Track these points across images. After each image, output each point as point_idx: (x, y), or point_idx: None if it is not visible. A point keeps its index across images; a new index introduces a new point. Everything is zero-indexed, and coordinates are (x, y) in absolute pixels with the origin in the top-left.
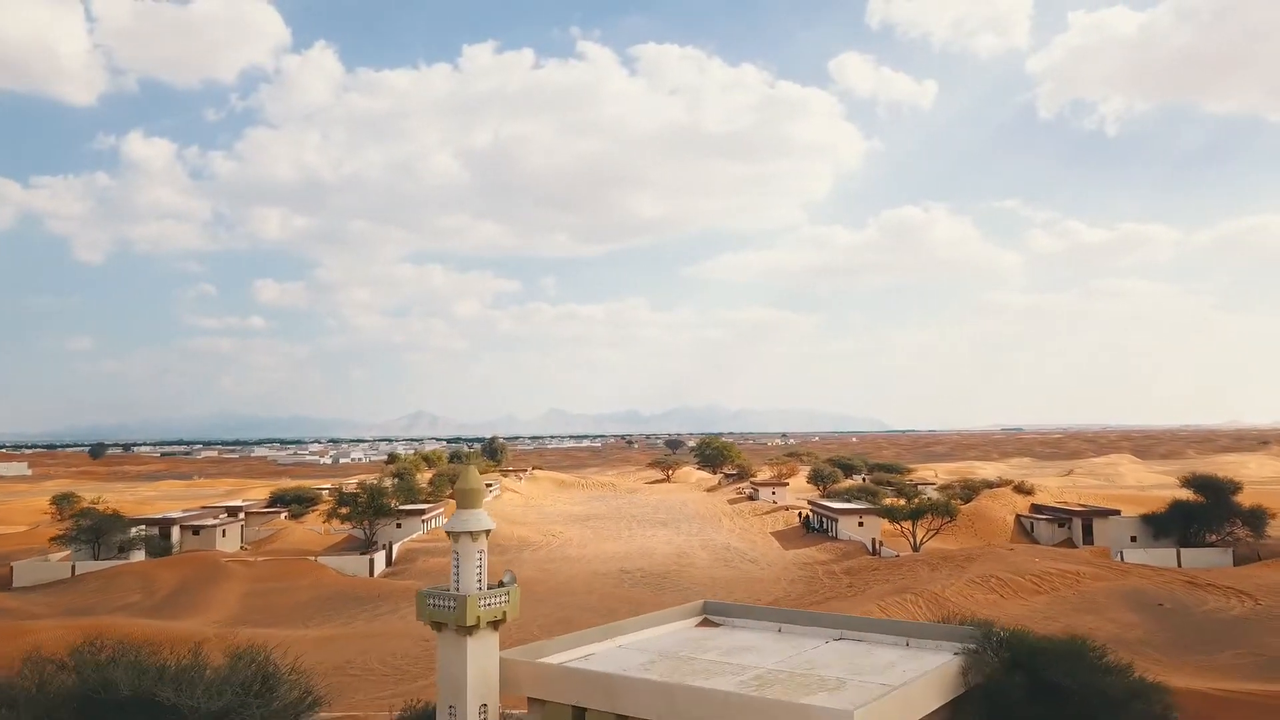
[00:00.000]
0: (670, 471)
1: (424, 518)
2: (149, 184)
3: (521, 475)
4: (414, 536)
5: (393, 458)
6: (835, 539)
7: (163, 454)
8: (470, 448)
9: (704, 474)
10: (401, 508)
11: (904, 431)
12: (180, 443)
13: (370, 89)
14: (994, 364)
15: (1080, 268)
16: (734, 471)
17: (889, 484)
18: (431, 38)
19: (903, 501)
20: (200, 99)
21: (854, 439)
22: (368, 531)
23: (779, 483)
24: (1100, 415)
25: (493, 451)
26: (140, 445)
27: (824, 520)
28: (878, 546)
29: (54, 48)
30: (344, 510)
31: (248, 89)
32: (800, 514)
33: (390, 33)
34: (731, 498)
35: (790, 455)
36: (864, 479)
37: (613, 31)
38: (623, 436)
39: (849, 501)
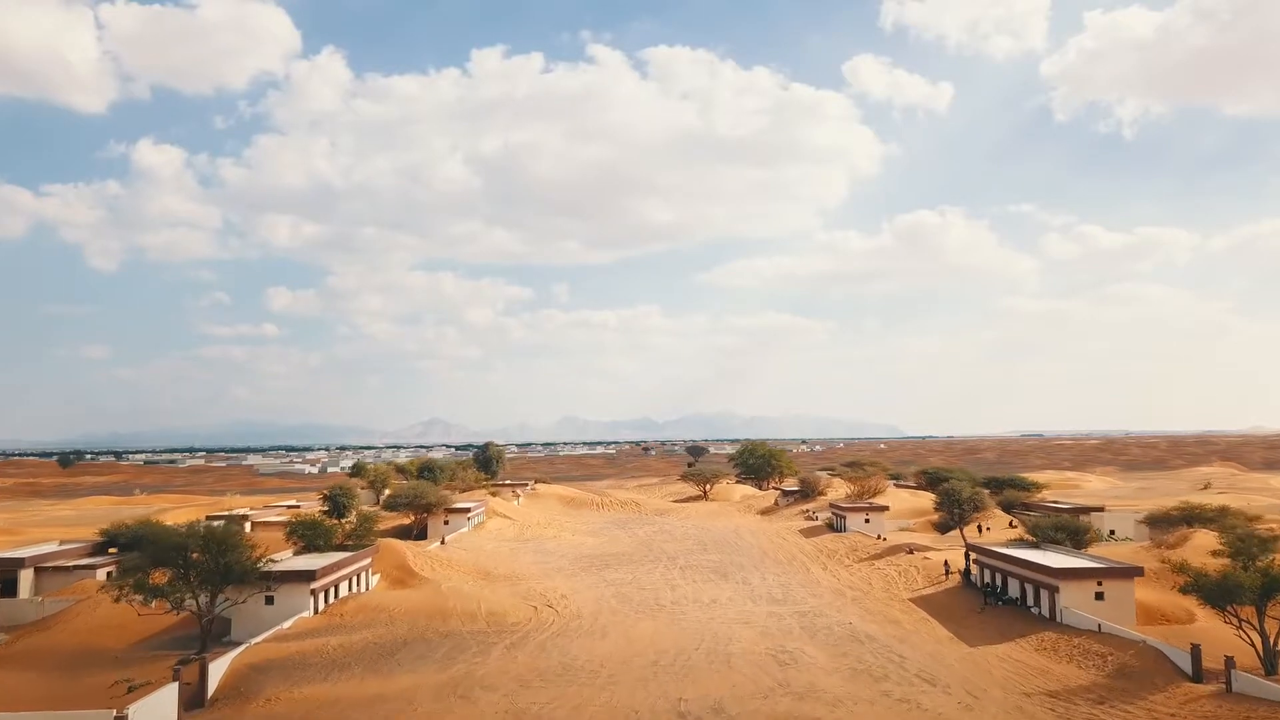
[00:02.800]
0: (708, 486)
1: (314, 584)
2: (159, 192)
3: (520, 491)
4: (289, 625)
5: (358, 469)
6: (1057, 623)
7: (146, 462)
8: (462, 456)
9: (748, 489)
10: (279, 568)
11: (924, 437)
12: (188, 450)
13: (379, 95)
14: (1009, 370)
15: (1096, 273)
16: (794, 488)
17: (1026, 507)
18: (440, 42)
19: (1235, 565)
20: (210, 106)
21: (881, 444)
22: (203, 614)
23: (872, 506)
24: (1119, 421)
25: (487, 461)
26: (137, 453)
27: (1011, 582)
28: (1228, 667)
29: (64, 55)
30: (161, 578)
31: (257, 96)
32: (966, 568)
33: (399, 38)
34: (803, 526)
35: (851, 465)
36: (1003, 504)
37: (623, 35)
38: (638, 443)
39: (1038, 547)
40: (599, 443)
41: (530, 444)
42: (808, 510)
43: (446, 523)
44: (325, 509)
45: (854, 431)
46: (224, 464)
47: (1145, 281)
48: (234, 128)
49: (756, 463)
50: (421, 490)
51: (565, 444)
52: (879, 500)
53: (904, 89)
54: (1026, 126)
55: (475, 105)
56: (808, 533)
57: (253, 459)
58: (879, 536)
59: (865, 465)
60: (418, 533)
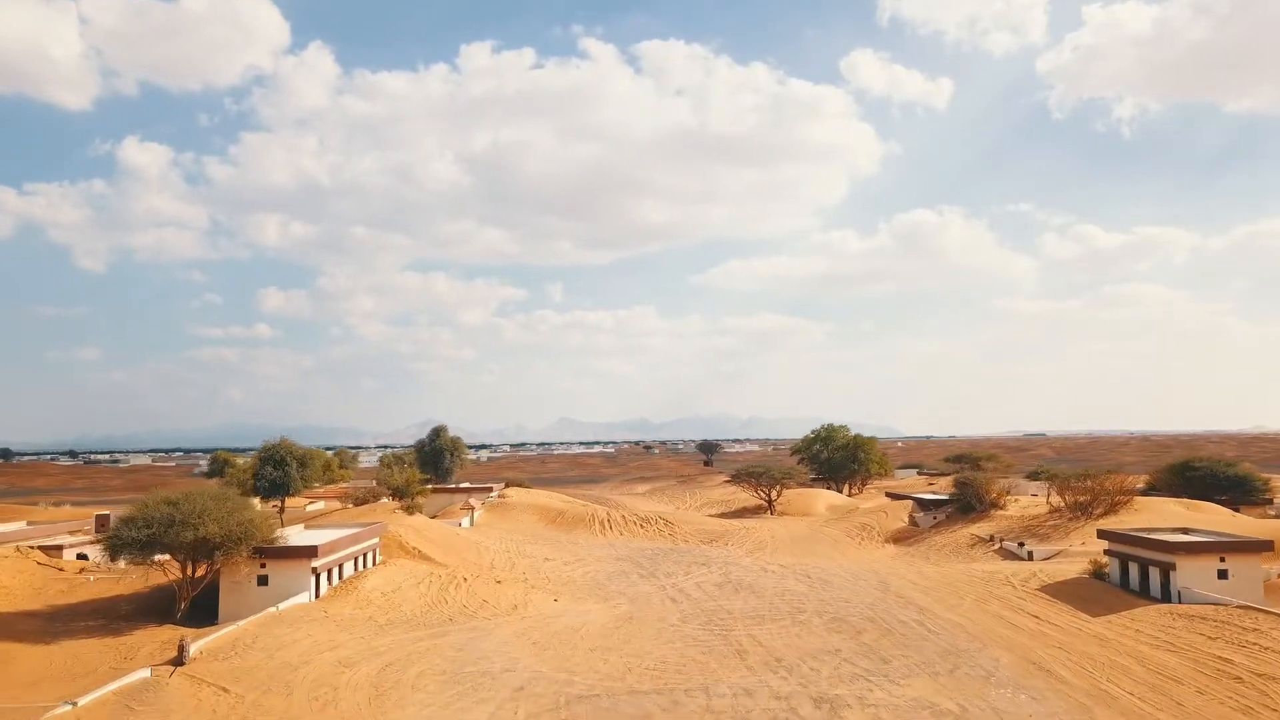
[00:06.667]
0: (774, 494)
1: None
2: (145, 191)
3: (478, 501)
4: None
5: (221, 464)
6: None
7: (86, 462)
8: (403, 450)
9: (833, 496)
10: None
11: (927, 437)
12: (175, 451)
13: (367, 92)
14: (1007, 370)
15: (1095, 273)
16: (937, 494)
17: None
18: (429, 38)
19: None
20: (197, 103)
21: (898, 444)
22: None
23: (1229, 540)
24: (1119, 421)
25: (435, 454)
26: (99, 454)
27: None
28: None
29: (46, 50)
30: None
31: (243, 93)
32: None
33: (387, 33)
34: (1040, 579)
35: (958, 460)
36: None
37: (616, 29)
38: (638, 443)
39: None
40: (596, 443)
41: (524, 444)
42: (995, 539)
43: (262, 580)
44: None
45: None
46: (173, 464)
47: (1144, 282)
48: (220, 125)
49: (836, 457)
50: (192, 509)
51: (561, 444)
52: (1162, 520)
53: (903, 85)
54: (1025, 124)
55: (465, 102)
56: (1077, 597)
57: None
58: None
59: (981, 460)
60: (186, 609)
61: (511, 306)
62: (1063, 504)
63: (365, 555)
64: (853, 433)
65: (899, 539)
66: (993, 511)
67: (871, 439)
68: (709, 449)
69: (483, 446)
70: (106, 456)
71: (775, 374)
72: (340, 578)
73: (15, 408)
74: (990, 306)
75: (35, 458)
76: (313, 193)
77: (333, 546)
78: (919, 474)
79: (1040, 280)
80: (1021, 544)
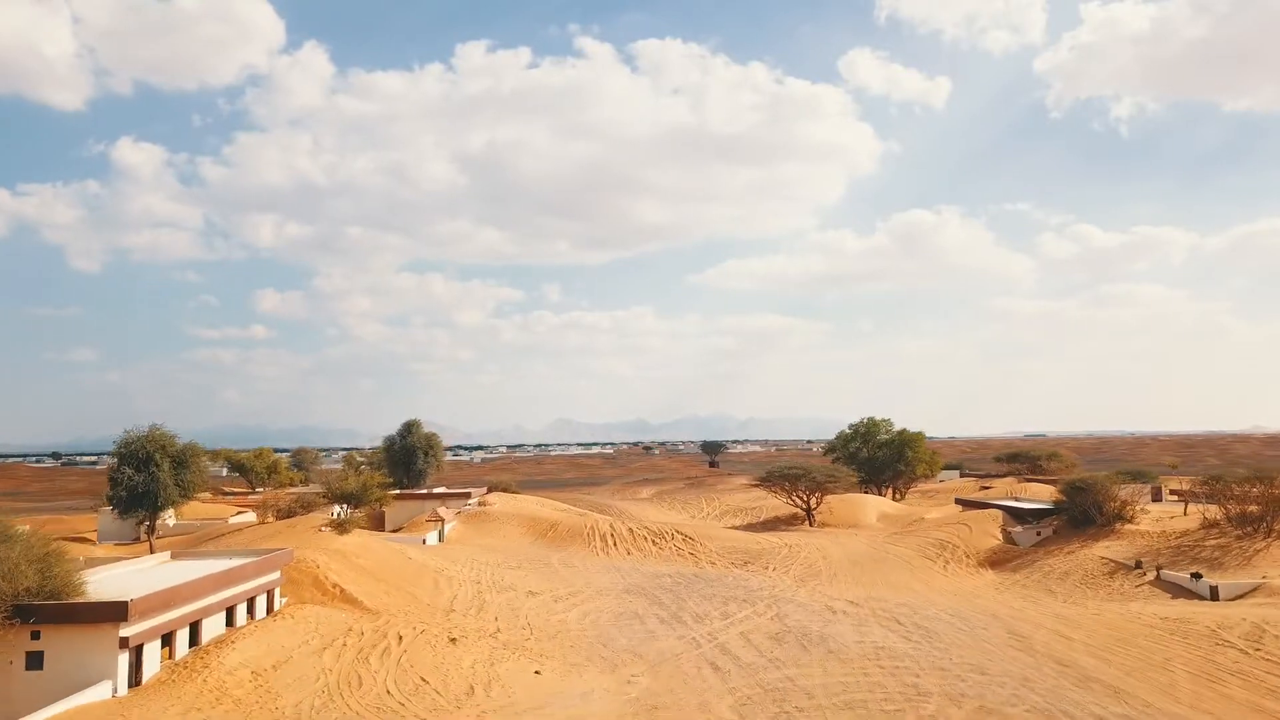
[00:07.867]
0: (815, 499)
1: None
2: (139, 191)
3: (451, 512)
4: None
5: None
6: None
7: (65, 464)
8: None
9: (881, 502)
10: None
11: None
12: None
13: (362, 91)
14: (1006, 370)
15: (1093, 272)
16: (1038, 503)
17: None
18: (424, 37)
19: None
20: (191, 103)
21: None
22: None
23: None
24: (1118, 421)
25: (407, 454)
26: (85, 455)
27: None
28: None
29: (39, 49)
30: None
31: (237, 92)
32: None
33: (382, 32)
34: (1275, 644)
35: (1010, 459)
36: None
37: (612, 27)
38: (638, 443)
39: None
40: (594, 444)
41: (522, 445)
42: (1142, 565)
43: (34, 659)
44: None
45: None
46: None
47: (1142, 281)
48: (214, 125)
49: (878, 456)
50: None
51: (559, 445)
52: None
53: (901, 84)
54: (1023, 123)
55: (461, 102)
56: None
57: None
58: None
59: (1041, 460)
60: None
61: (509, 307)
62: (1222, 516)
63: (251, 602)
64: (897, 427)
65: (996, 562)
66: (1119, 526)
67: (919, 434)
68: (713, 449)
69: (479, 448)
70: (91, 458)
71: (773, 374)
72: (194, 644)
73: (10, 409)
74: (988, 306)
75: (20, 459)
76: (308, 193)
77: (171, 597)
78: (961, 475)
79: (1038, 279)
80: (1197, 575)
